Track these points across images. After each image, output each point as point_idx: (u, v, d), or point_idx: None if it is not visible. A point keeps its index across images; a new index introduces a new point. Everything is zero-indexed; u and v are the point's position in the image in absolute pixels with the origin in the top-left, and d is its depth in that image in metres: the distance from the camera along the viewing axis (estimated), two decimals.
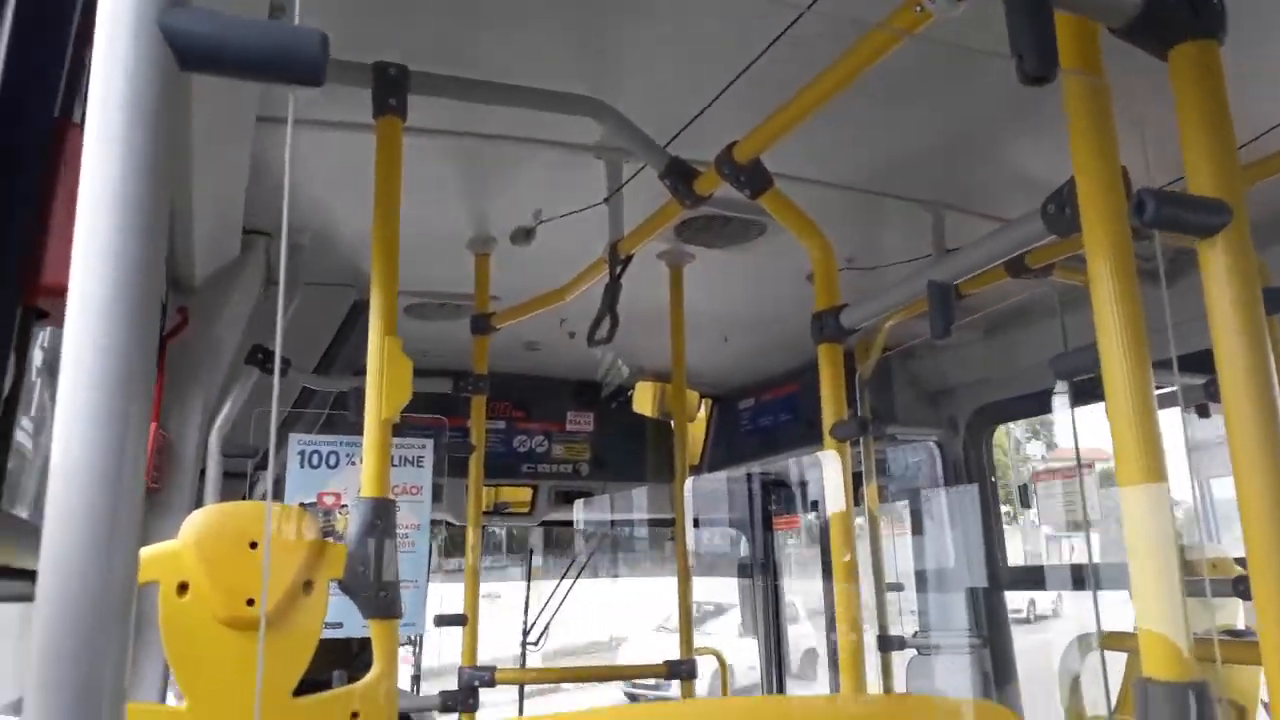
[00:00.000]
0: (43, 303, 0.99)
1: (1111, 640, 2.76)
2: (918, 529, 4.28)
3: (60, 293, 0.73)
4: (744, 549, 5.43)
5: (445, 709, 3.07)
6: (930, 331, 1.89)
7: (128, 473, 0.65)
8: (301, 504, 3.10)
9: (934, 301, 1.86)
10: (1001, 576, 3.85)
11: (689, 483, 3.28)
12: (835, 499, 2.23)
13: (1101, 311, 1.22)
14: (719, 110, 2.15)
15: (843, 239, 2.42)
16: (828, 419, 2.13)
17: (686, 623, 3.13)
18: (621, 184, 2.53)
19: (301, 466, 3.06)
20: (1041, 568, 3.72)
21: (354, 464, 3.15)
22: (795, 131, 1.94)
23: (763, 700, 3.46)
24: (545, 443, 4.71)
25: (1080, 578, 3.38)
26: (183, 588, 1.74)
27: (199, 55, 0.66)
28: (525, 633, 5.69)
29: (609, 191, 2.56)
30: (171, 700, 1.95)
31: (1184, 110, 1.21)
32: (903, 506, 4.30)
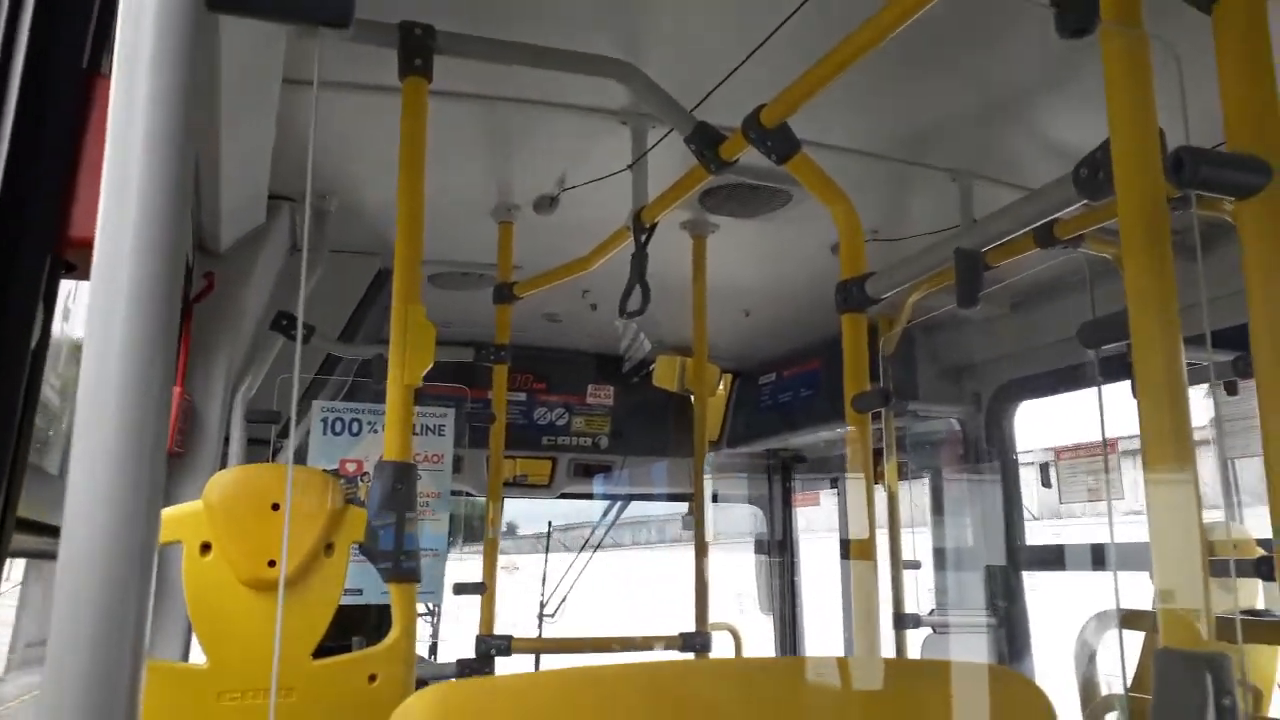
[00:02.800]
0: (70, 256, 1.00)
1: (1130, 619, 2.74)
2: (937, 507, 4.26)
3: (88, 245, 0.73)
4: (761, 525, 5.43)
5: (461, 676, 3.10)
6: (957, 301, 1.86)
7: (150, 426, 0.65)
8: (328, 470, 3.12)
9: (961, 270, 1.84)
10: (1020, 556, 3.84)
11: (708, 458, 3.28)
12: (854, 475, 2.22)
13: (1133, 279, 1.20)
14: (746, 75, 2.13)
15: (868, 209, 2.40)
16: (849, 390, 2.11)
17: (702, 596, 3.14)
18: (646, 150, 2.51)
19: (324, 433, 3.08)
20: (1061, 547, 3.69)
21: (376, 432, 3.16)
22: (823, 98, 1.92)
23: (775, 660, 3.47)
24: (565, 415, 4.72)
25: (1101, 558, 3.36)
26: (205, 548, 1.77)
27: None
28: (542, 605, 5.73)
29: (633, 158, 2.54)
30: (194, 658, 1.98)
31: (1225, 65, 1.18)
32: (922, 484, 4.28)
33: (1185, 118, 1.22)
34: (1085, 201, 1.59)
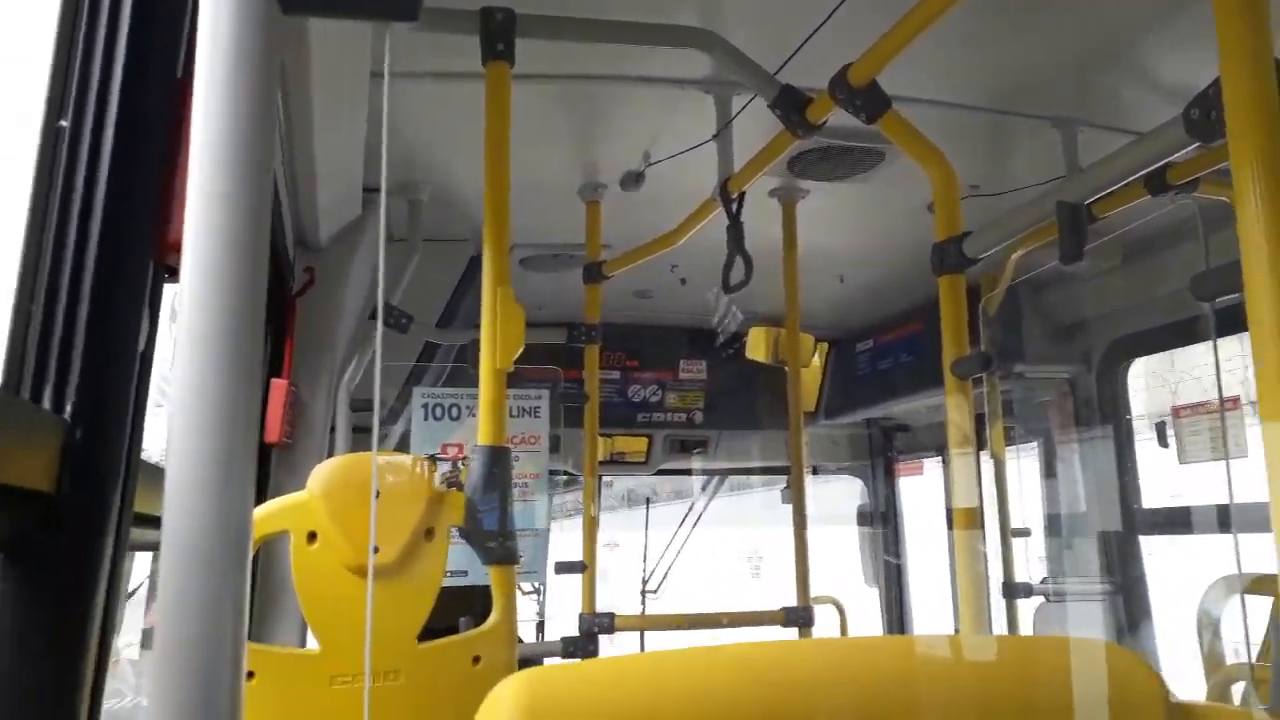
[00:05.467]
0: (172, 260, 1.03)
1: (1258, 585, 2.59)
2: (1048, 472, 4.10)
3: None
4: (864, 497, 5.34)
5: (566, 654, 3.14)
6: (1060, 258, 1.77)
7: (241, 420, 0.66)
8: (429, 455, 3.19)
9: (1064, 224, 1.74)
10: (1137, 520, 3.67)
11: (805, 430, 3.24)
12: (956, 442, 2.15)
13: (1247, 225, 1.12)
14: (830, 33, 2.05)
15: (967, 165, 2.30)
16: (948, 355, 2.04)
17: (803, 570, 3.11)
18: (730, 118, 2.47)
19: (425, 419, 3.15)
20: (1186, 509, 3.51)
21: (475, 416, 3.21)
22: (913, 50, 1.84)
23: (880, 640, 3.42)
24: (659, 391, 4.71)
25: (1226, 520, 3.18)
26: (312, 536, 1.81)
27: None
28: (644, 581, 5.77)
29: (718, 127, 2.50)
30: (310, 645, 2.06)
31: None
32: (1031, 450, 4.13)
33: None
34: (1198, 145, 1.49)
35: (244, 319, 0.68)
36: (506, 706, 0.91)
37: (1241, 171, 1.14)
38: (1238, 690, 2.80)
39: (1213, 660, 2.93)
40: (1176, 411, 3.73)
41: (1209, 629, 2.94)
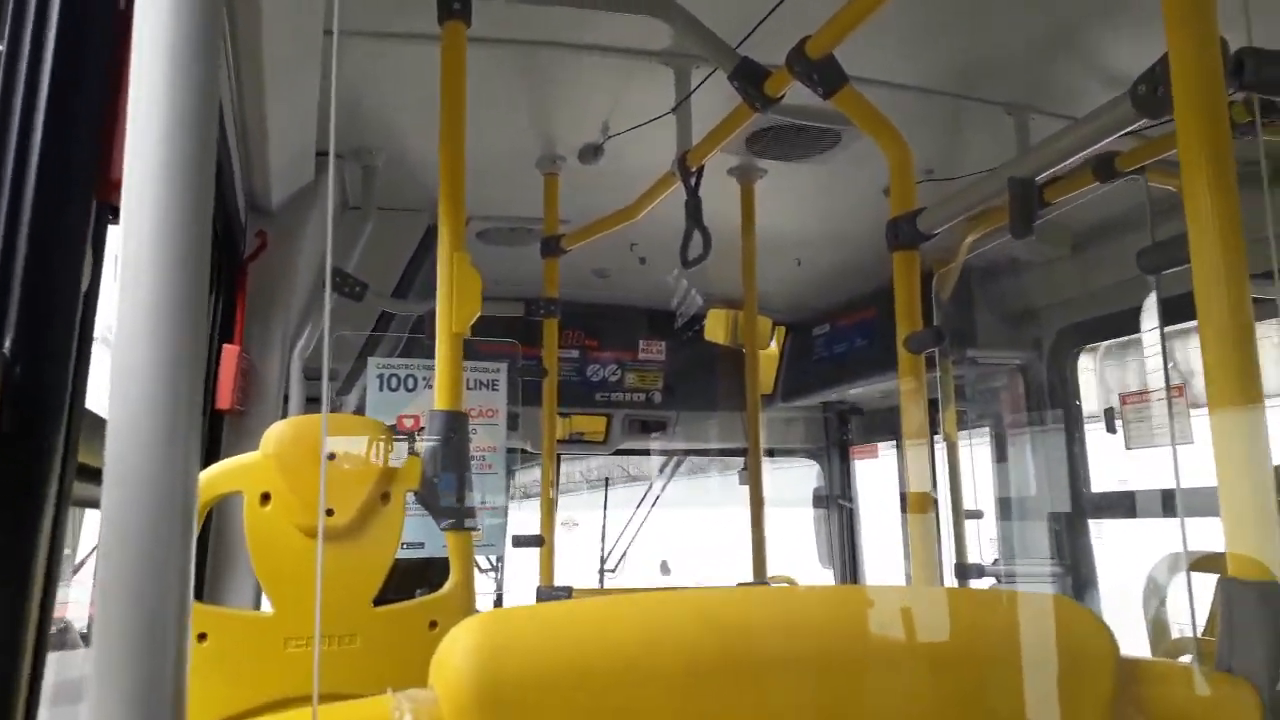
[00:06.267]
0: (115, 199, 1.01)
1: (1204, 562, 2.66)
2: (1000, 456, 4.17)
3: None
4: (820, 480, 5.40)
5: None
6: (1010, 231, 1.80)
7: (185, 368, 0.65)
8: (389, 427, 3.16)
9: (1015, 198, 1.77)
10: (1086, 503, 3.75)
11: (763, 412, 3.26)
12: (909, 423, 2.18)
13: (1194, 200, 1.14)
14: (791, 8, 2.07)
15: (921, 148, 2.33)
16: (901, 331, 2.07)
17: (759, 548, 3.14)
18: (689, 92, 2.48)
19: (380, 390, 3.12)
20: (1131, 493, 3.59)
21: (431, 387, 3.19)
22: (870, 30, 1.86)
23: (838, 588, 3.47)
24: (618, 371, 4.72)
25: (1171, 504, 3.26)
26: (265, 498, 1.79)
27: None
28: (603, 559, 5.79)
29: (677, 100, 2.50)
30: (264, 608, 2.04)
31: None
32: (982, 433, 4.20)
33: (1249, 20, 1.15)
34: (1146, 125, 1.52)
35: (187, 260, 0.67)
36: (463, 646, 0.91)
37: (1189, 144, 1.15)
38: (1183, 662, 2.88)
39: (1159, 634, 3.00)
40: (1124, 399, 3.81)
41: (1155, 604, 3.01)
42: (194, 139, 0.69)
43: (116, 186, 0.98)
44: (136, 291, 0.65)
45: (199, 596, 2.32)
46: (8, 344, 0.84)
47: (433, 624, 1.83)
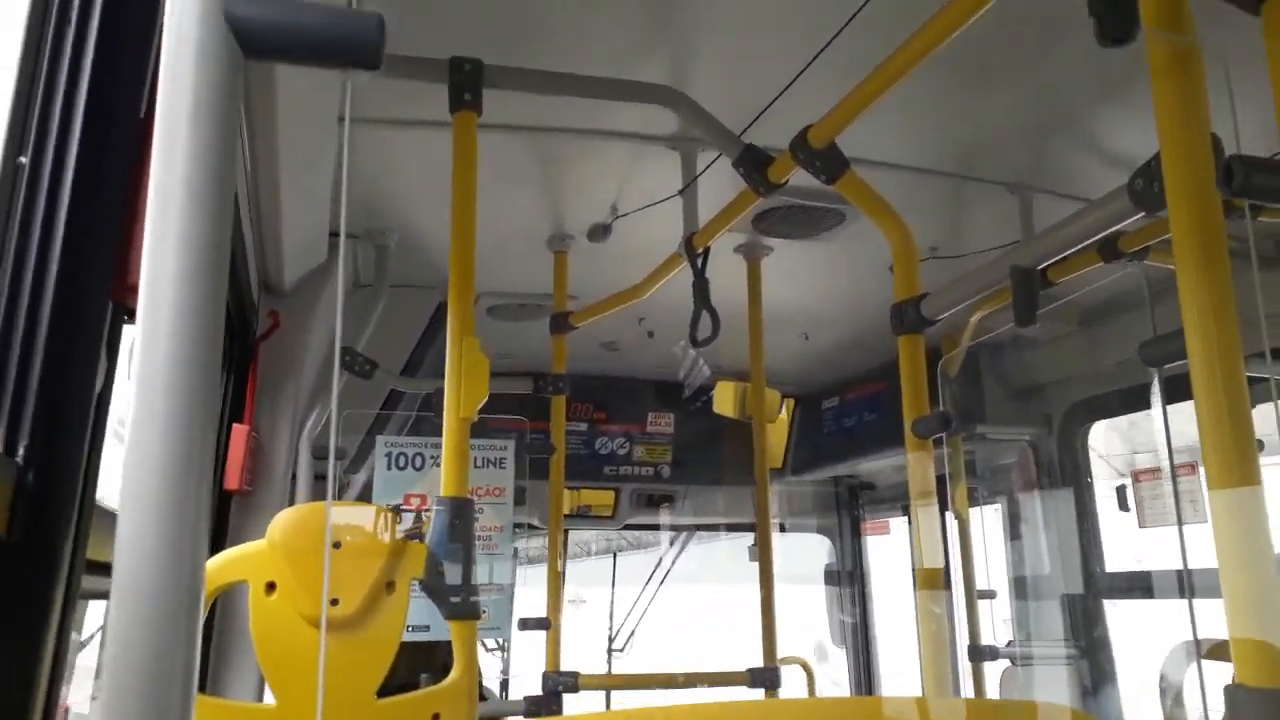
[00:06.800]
0: (132, 301, 1.02)
1: (1216, 651, 2.60)
2: (1013, 533, 4.12)
3: None
4: (831, 555, 5.32)
5: (529, 714, 3.08)
6: (1015, 320, 1.81)
7: (195, 464, 0.65)
8: (392, 506, 3.15)
9: (1017, 287, 1.78)
10: (1100, 583, 3.68)
11: (772, 486, 3.24)
12: (919, 502, 2.16)
13: (1188, 294, 1.15)
14: (794, 95, 2.11)
15: (925, 227, 2.36)
16: (908, 415, 2.06)
17: (769, 629, 3.08)
18: (696, 175, 2.52)
19: (389, 468, 3.12)
20: (1148, 573, 3.53)
21: (439, 465, 3.18)
22: (873, 115, 1.89)
23: (845, 701, 3.38)
24: (626, 444, 4.70)
25: (1184, 585, 3.20)
26: (270, 587, 1.77)
27: (261, 41, 0.68)
28: (611, 639, 5.69)
29: (684, 183, 2.54)
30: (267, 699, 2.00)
31: (1277, 69, 1.13)
32: (994, 510, 4.15)
33: (1235, 125, 1.17)
34: (1144, 214, 1.53)
35: (201, 362, 0.68)
36: None
37: (1183, 240, 1.17)
38: None
39: None
40: (1136, 475, 3.78)
41: (1171, 695, 2.94)
42: (211, 241, 0.70)
43: (134, 289, 0.99)
44: (150, 392, 0.66)
45: (201, 688, 2.28)
46: (21, 451, 0.84)
47: (435, 717, 1.80)
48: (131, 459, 0.66)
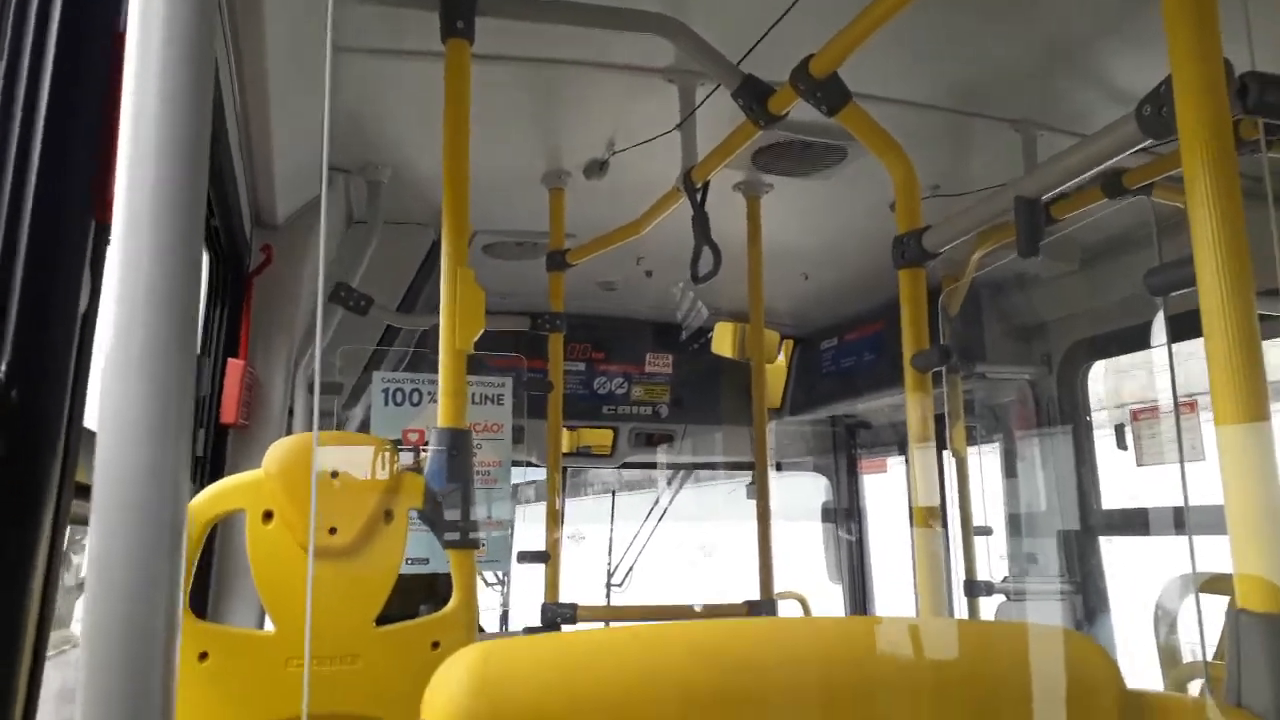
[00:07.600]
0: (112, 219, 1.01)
1: (1213, 584, 2.63)
2: (1010, 471, 4.15)
3: None
4: (828, 493, 5.37)
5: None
6: (1018, 250, 1.79)
7: (175, 386, 0.65)
8: (393, 442, 3.15)
9: (1021, 218, 1.76)
10: (1096, 520, 3.72)
11: (770, 425, 3.25)
12: (916, 440, 2.16)
13: (1199, 223, 1.13)
14: (794, 25, 2.06)
15: (927, 164, 2.32)
16: (908, 349, 2.05)
17: (766, 564, 3.12)
18: (694, 108, 2.47)
19: (385, 404, 3.11)
20: (1144, 510, 3.56)
21: (436, 401, 3.18)
22: (876, 47, 1.85)
23: (837, 620, 3.44)
24: (625, 384, 4.70)
25: (1182, 522, 3.22)
26: (267, 516, 1.78)
27: None
28: (610, 574, 5.77)
29: (681, 117, 2.50)
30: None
31: None
32: (991, 449, 4.17)
33: (1250, 45, 1.14)
34: (1151, 144, 1.50)
35: (179, 279, 0.67)
36: (458, 678, 0.90)
37: (1194, 165, 1.15)
38: (1194, 688, 2.84)
39: (1169, 658, 2.96)
40: (1135, 414, 3.79)
41: (1165, 627, 2.98)
42: (188, 157, 0.69)
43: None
44: (129, 307, 0.65)
45: (202, 615, 2.31)
46: (3, 367, 0.83)
47: (435, 644, 1.82)
48: (109, 377, 0.65)
